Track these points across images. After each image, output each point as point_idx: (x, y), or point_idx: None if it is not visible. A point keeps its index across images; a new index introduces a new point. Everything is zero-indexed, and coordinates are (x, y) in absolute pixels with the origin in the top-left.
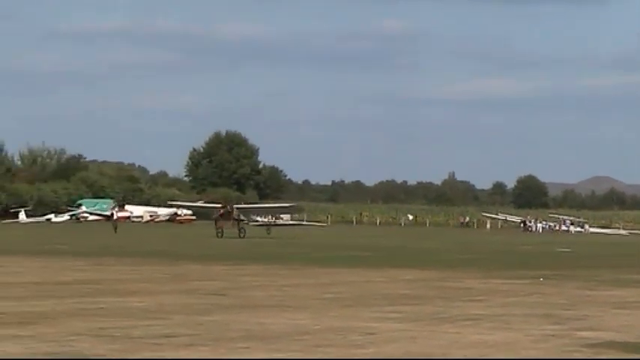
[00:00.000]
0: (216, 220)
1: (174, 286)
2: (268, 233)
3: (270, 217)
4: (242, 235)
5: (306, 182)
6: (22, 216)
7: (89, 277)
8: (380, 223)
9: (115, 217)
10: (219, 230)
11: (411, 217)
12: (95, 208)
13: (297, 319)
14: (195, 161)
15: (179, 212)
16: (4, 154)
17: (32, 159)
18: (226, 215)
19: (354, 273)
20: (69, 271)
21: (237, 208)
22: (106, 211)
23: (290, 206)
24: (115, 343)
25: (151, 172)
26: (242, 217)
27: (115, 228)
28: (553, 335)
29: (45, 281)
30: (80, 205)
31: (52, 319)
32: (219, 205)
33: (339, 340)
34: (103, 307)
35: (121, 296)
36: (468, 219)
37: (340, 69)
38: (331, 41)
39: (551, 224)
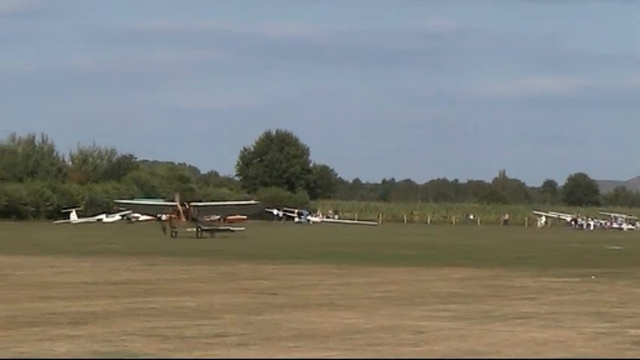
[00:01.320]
0: (170, 219)
1: (225, 285)
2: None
3: (220, 218)
4: (200, 235)
5: (356, 181)
6: (73, 216)
7: (141, 277)
8: (431, 221)
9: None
10: (174, 230)
11: (472, 216)
12: None
13: (347, 318)
14: (246, 161)
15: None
16: (55, 154)
17: (83, 159)
18: (183, 214)
19: (405, 271)
20: (121, 271)
21: (195, 207)
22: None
23: (253, 204)
24: (166, 342)
25: (201, 172)
26: (198, 217)
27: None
28: (604, 333)
29: (97, 281)
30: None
31: (104, 318)
32: (175, 204)
33: (389, 339)
34: (154, 307)
35: (172, 296)
36: (507, 217)
37: (389, 67)
38: (379, 40)
39: (603, 222)
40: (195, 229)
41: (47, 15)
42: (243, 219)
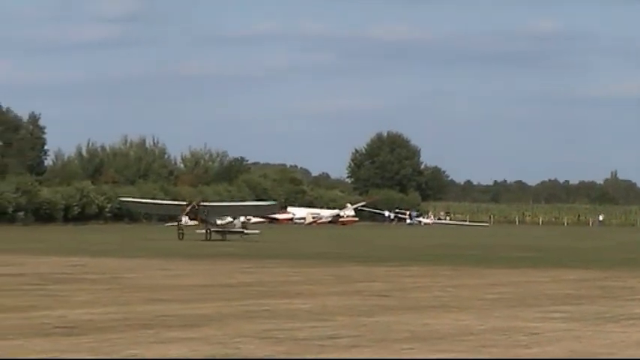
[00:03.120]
0: (178, 220)
1: (338, 287)
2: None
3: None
4: (209, 237)
5: (467, 183)
6: (184, 219)
7: (254, 279)
8: (542, 222)
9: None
10: (180, 231)
11: (601, 218)
12: None
13: (461, 319)
14: (358, 162)
15: (342, 213)
16: (166, 157)
17: (194, 162)
18: (191, 214)
19: (517, 273)
20: (234, 273)
21: (205, 207)
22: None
23: (269, 205)
24: (280, 344)
25: (313, 174)
26: (208, 218)
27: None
28: None
29: (210, 284)
30: None
31: (218, 321)
32: (184, 204)
33: (503, 341)
34: (267, 309)
35: (285, 298)
36: (602, 217)
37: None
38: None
39: None
40: (204, 231)
41: (158, 19)
42: (355, 220)
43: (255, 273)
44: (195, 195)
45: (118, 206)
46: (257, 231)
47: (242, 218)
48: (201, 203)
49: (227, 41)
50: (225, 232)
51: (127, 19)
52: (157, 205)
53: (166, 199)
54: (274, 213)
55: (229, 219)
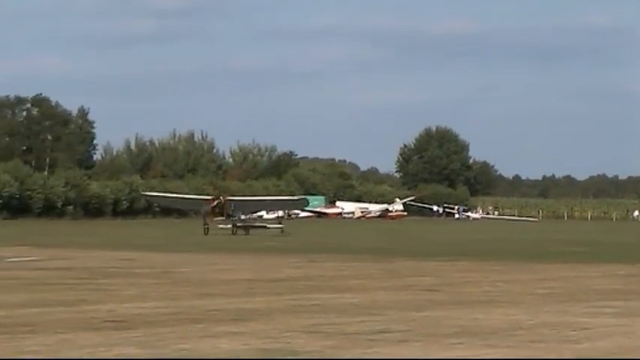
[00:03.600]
0: (205, 215)
1: (387, 282)
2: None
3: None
4: (235, 231)
5: (516, 177)
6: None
7: (302, 273)
8: (591, 217)
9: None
10: (206, 226)
11: (637, 213)
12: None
13: (510, 314)
14: (406, 157)
15: (390, 208)
16: (214, 151)
17: (243, 156)
18: (218, 209)
19: (567, 268)
20: (282, 267)
21: (231, 201)
22: (317, 207)
23: (296, 200)
24: (328, 339)
25: (362, 169)
26: (234, 212)
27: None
28: None
29: (258, 278)
30: None
31: (266, 315)
32: (210, 197)
33: (552, 336)
34: (316, 304)
35: (334, 292)
36: (637, 213)
37: (550, 63)
38: (539, 36)
39: None
40: (230, 226)
41: (210, 14)
42: (404, 215)
43: (303, 267)
44: (226, 190)
45: None
46: (281, 225)
47: (280, 213)
48: (228, 198)
49: (282, 35)
50: (248, 227)
51: (182, 14)
52: (180, 200)
53: (191, 193)
54: (302, 208)
55: (263, 214)
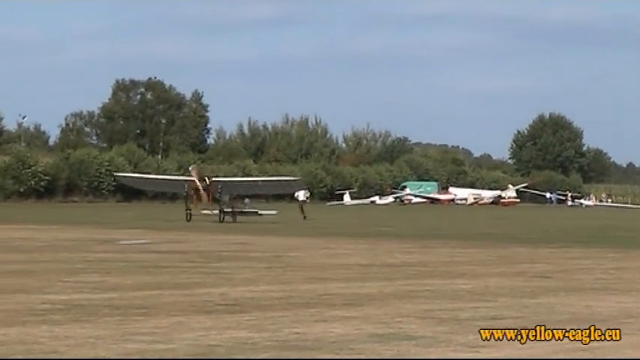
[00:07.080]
0: (186, 198)
1: (500, 268)
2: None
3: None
4: (222, 218)
5: (630, 165)
6: (346, 198)
7: (415, 259)
8: None
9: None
10: (188, 211)
11: None
12: (419, 190)
13: (623, 302)
14: (520, 144)
15: (503, 195)
16: (328, 137)
17: (357, 142)
18: (203, 191)
19: None
20: (395, 253)
21: (218, 182)
22: (430, 193)
23: (290, 180)
24: (442, 325)
25: (475, 155)
26: (222, 195)
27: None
28: None
29: (371, 263)
30: (405, 187)
31: (380, 300)
32: (191, 179)
33: None
34: (429, 289)
35: (447, 278)
36: None
37: None
38: None
39: None
40: (217, 211)
41: None
42: (517, 201)
43: (416, 253)
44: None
45: None
46: (274, 212)
47: (301, 193)
48: (214, 179)
49: (397, 20)
50: (235, 212)
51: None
52: (156, 181)
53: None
54: (296, 189)
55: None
